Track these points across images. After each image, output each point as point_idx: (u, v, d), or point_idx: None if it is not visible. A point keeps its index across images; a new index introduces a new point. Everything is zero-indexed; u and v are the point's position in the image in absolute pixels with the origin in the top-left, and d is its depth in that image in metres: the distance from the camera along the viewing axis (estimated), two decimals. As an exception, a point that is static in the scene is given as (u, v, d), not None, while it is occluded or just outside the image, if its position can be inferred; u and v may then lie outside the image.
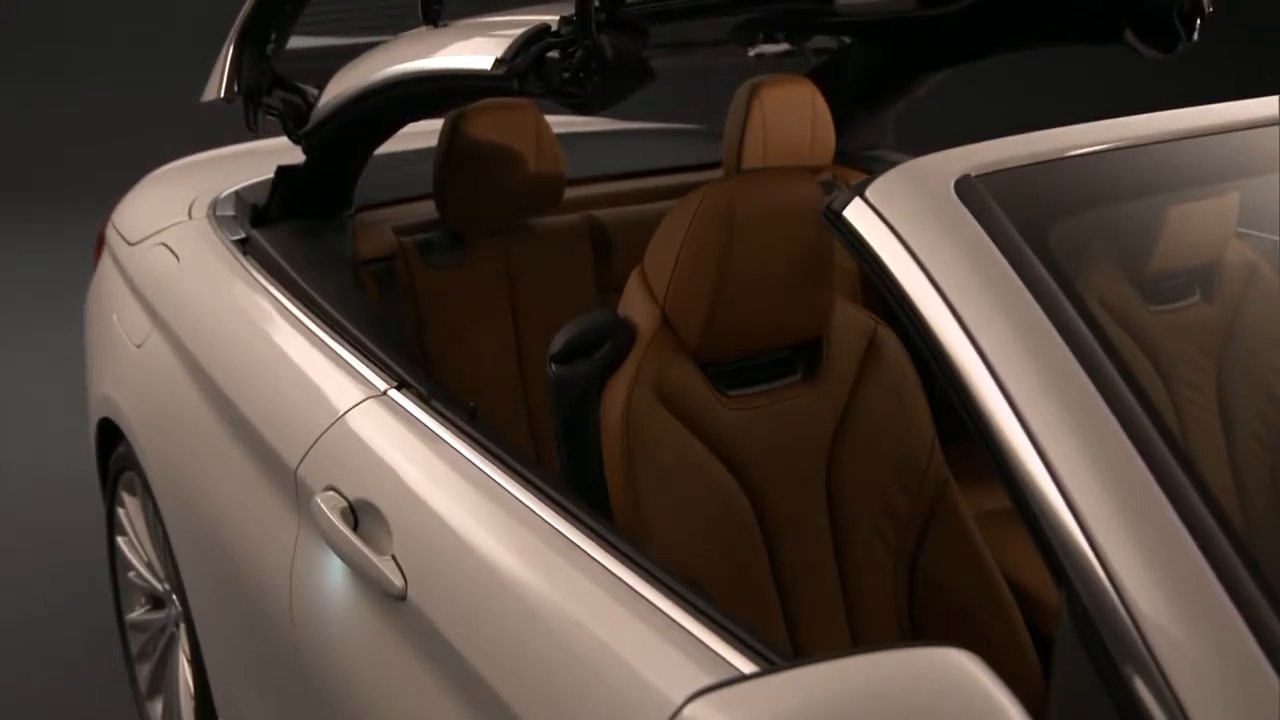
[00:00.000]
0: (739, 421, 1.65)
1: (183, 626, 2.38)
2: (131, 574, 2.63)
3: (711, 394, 1.64)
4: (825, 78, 2.76)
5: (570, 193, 2.52)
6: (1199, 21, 2.09)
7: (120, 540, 2.68)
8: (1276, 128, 1.30)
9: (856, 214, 1.19)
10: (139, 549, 2.60)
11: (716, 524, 1.60)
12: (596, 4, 1.60)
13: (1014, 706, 0.84)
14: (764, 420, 1.67)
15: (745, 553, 1.62)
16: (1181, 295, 1.44)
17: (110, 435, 2.59)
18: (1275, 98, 1.33)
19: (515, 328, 2.45)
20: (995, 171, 1.18)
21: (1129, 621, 0.91)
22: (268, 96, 2.27)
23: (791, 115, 2.55)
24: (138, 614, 2.66)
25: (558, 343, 1.64)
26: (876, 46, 2.72)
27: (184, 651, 2.41)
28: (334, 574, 1.67)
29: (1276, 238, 1.52)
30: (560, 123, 2.97)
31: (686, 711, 0.89)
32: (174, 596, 2.43)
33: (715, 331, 1.62)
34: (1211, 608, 0.89)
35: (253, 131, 2.31)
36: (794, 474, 1.68)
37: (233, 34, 2.22)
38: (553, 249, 2.48)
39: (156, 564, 2.54)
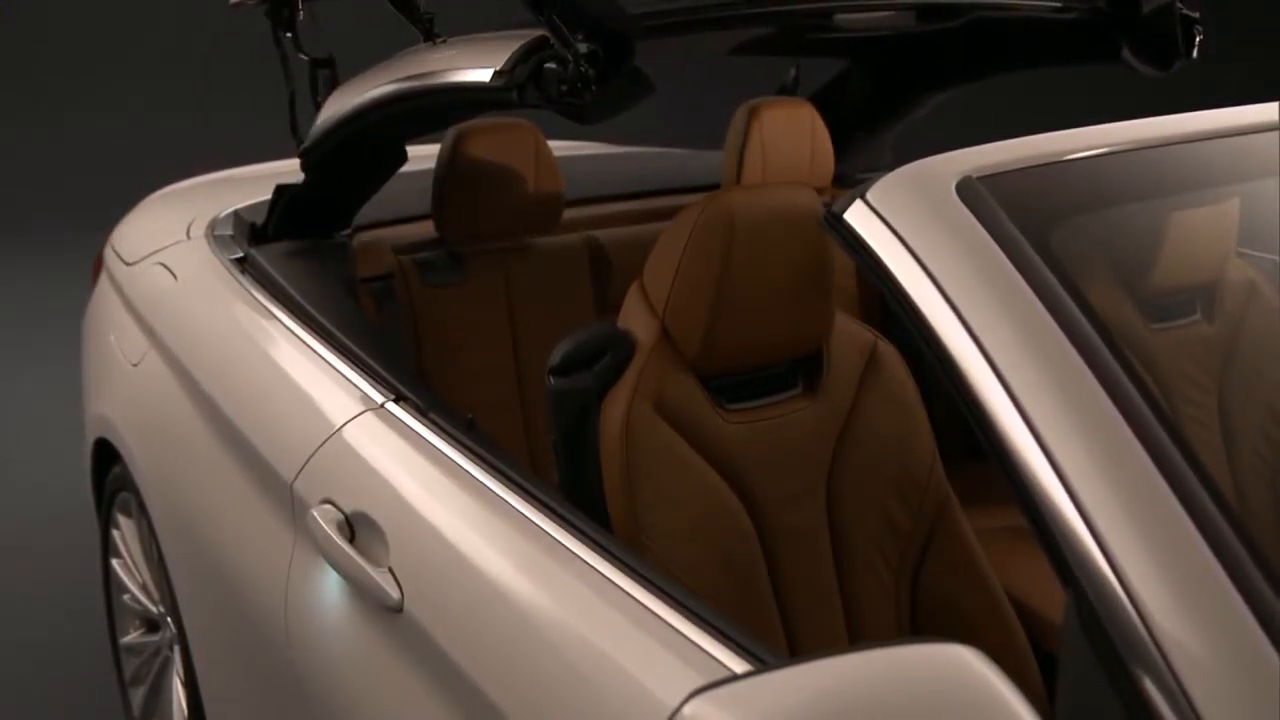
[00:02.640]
0: (738, 435, 1.64)
1: (177, 649, 2.36)
2: (126, 597, 2.61)
3: (711, 407, 1.63)
4: (824, 99, 2.77)
5: (569, 213, 2.52)
6: (1197, 39, 2.11)
7: (115, 563, 2.66)
8: (1275, 133, 1.29)
9: (857, 216, 1.18)
10: (134, 571, 2.58)
11: (716, 537, 1.59)
12: (556, 18, 1.61)
13: (1020, 702, 0.83)
14: (764, 434, 1.66)
15: (745, 567, 1.61)
16: (1182, 313, 1.44)
17: (106, 457, 2.58)
18: (1275, 104, 1.33)
19: (514, 347, 2.44)
20: (997, 174, 1.17)
21: (1136, 618, 0.89)
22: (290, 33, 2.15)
23: (790, 137, 2.55)
24: (132, 637, 2.63)
25: (556, 355, 1.63)
26: (875, 68, 2.73)
27: (178, 674, 2.39)
28: (330, 589, 1.65)
29: (1276, 257, 1.52)
30: (559, 147, 2.97)
31: (686, 710, 0.87)
32: (168, 619, 2.41)
33: (715, 344, 1.61)
34: (1220, 602, 0.88)
35: (284, 35, 2.16)
36: (794, 488, 1.67)
37: None
38: (552, 269, 2.47)
39: (151, 586, 2.52)
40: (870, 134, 2.80)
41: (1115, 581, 0.91)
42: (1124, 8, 2.12)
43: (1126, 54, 2.15)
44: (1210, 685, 0.86)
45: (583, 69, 1.62)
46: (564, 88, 1.64)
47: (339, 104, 2.08)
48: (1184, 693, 0.86)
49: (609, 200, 2.74)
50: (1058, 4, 2.11)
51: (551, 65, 1.64)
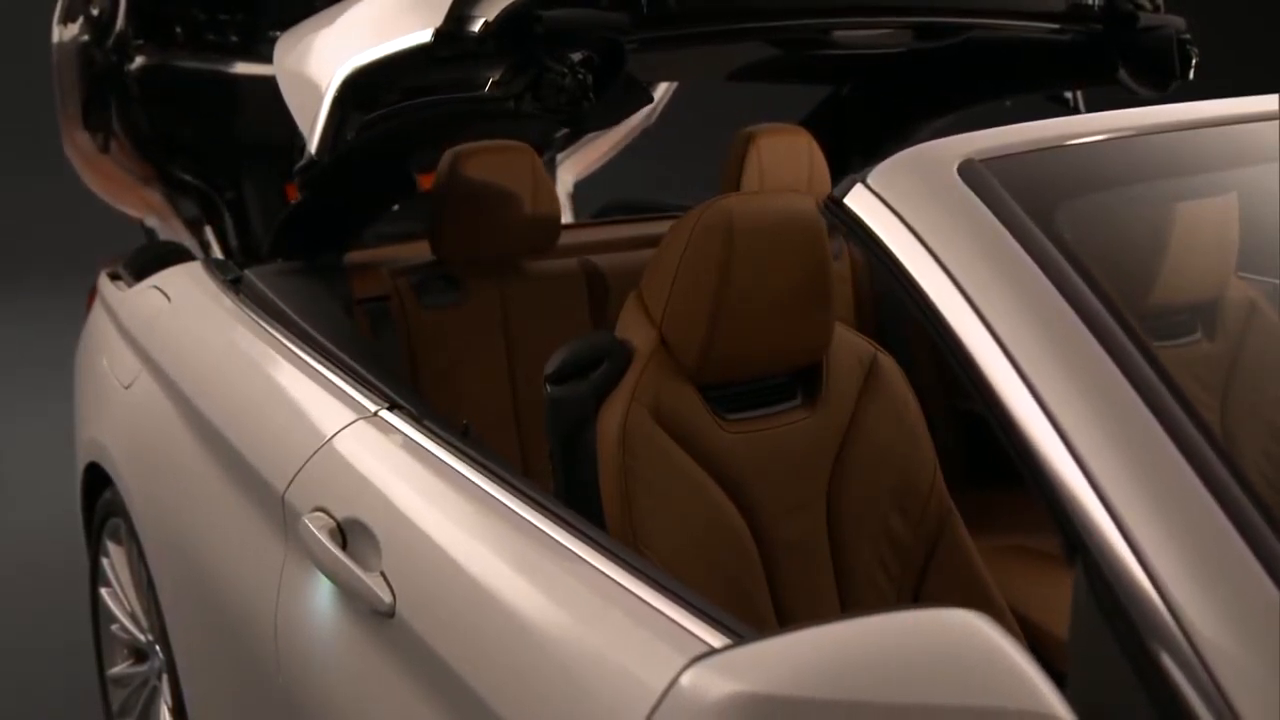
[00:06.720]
0: (737, 445, 1.62)
1: (165, 678, 2.31)
2: (115, 626, 2.57)
3: (709, 416, 1.61)
4: (822, 126, 2.77)
5: (566, 236, 2.51)
6: (1193, 61, 2.12)
7: (104, 591, 2.61)
8: (1271, 122, 1.29)
9: (859, 200, 1.17)
10: (123, 600, 2.54)
11: (714, 547, 1.56)
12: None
13: (1026, 661, 0.80)
14: (763, 445, 1.64)
15: (745, 578, 1.58)
16: (1183, 332, 1.42)
17: (97, 483, 2.54)
18: (1275, 96, 1.33)
19: (510, 369, 2.42)
20: (999, 156, 1.16)
21: (1147, 583, 0.87)
22: None
23: (788, 164, 2.55)
24: (120, 668, 2.59)
25: (553, 363, 1.61)
26: (872, 93, 2.73)
27: (166, 704, 2.34)
28: (321, 603, 1.61)
29: (1276, 280, 1.51)
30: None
31: (684, 679, 0.84)
32: (157, 648, 2.37)
33: (713, 352, 1.59)
34: (1234, 565, 0.85)
35: None
36: (793, 500, 1.65)
37: (332, 89, 1.93)
38: (548, 292, 2.46)
39: (140, 615, 2.48)
40: (867, 160, 2.79)
41: (1125, 546, 0.88)
42: (1121, 29, 2.14)
43: (1123, 75, 2.16)
44: (1227, 659, 0.84)
45: (580, 77, 1.62)
46: (563, 98, 1.64)
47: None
48: (1203, 663, 0.83)
49: (606, 224, 2.74)
50: (1055, 25, 2.12)
51: (550, 74, 1.64)
